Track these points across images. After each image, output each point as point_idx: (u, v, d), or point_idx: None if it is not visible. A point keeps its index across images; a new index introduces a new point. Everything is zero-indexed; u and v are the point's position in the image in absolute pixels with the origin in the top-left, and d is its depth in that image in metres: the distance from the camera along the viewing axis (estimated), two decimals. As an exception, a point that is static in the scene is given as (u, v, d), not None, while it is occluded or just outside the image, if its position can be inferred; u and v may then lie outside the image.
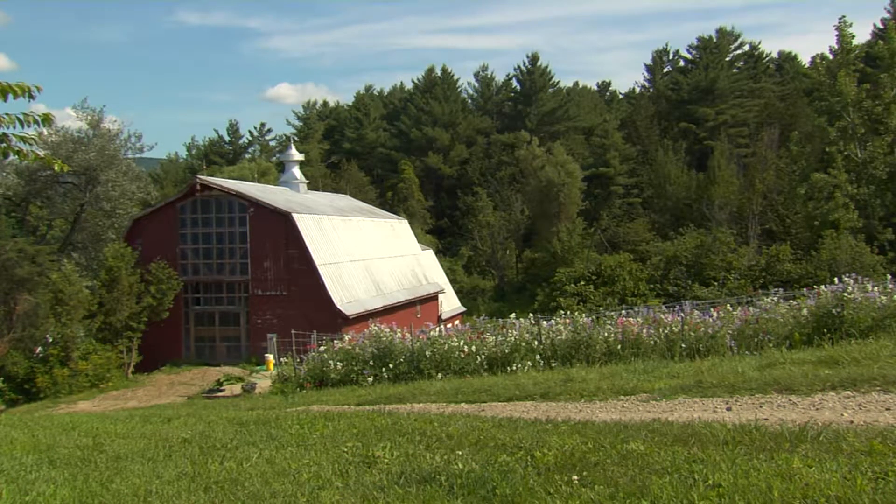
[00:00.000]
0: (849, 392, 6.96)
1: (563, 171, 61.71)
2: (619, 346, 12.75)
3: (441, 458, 5.26)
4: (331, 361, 14.76)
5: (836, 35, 48.74)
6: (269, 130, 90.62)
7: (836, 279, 12.38)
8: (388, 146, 78.61)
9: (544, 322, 14.03)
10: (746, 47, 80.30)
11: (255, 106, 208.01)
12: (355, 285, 33.34)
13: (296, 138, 75.09)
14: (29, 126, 4.45)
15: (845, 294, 11.63)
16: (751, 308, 13.22)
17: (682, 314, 13.27)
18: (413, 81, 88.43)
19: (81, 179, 39.34)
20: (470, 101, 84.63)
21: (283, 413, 9.83)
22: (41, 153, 5.01)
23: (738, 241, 51.54)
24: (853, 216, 45.44)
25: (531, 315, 15.14)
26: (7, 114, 4.39)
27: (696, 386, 8.18)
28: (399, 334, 14.61)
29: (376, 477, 4.90)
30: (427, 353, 13.75)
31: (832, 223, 45.64)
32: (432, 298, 41.20)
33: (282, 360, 22.04)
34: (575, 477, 4.38)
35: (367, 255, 36.20)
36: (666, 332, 12.86)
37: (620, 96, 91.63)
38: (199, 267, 33.54)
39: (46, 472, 6.15)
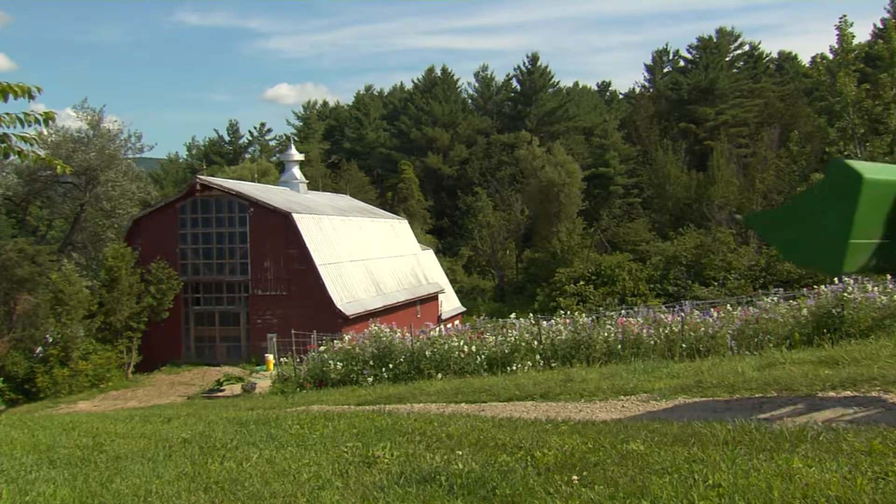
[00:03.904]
0: (849, 392, 6.97)
1: (563, 171, 61.69)
2: (619, 346, 12.74)
3: (441, 458, 5.26)
4: (331, 361, 14.74)
5: (837, 35, 48.70)
6: (269, 130, 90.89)
7: (835, 279, 12.37)
8: (388, 146, 78.62)
9: (544, 322, 14.01)
10: (746, 47, 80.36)
11: (254, 106, 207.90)
12: (355, 285, 33.35)
13: (296, 138, 75.18)
14: (30, 125, 4.43)
15: (845, 294, 11.62)
16: (751, 308, 13.21)
17: (682, 314, 13.26)
18: (413, 81, 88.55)
19: (81, 179, 39.34)
20: (470, 101, 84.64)
21: (283, 413, 9.82)
22: (42, 153, 5.00)
23: (738, 241, 51.48)
24: (853, 216, 45.37)
25: (531, 315, 15.10)
26: (7, 113, 4.38)
27: (696, 386, 8.18)
28: (399, 334, 14.59)
29: (376, 477, 4.90)
30: (427, 353, 13.74)
31: (832, 223, 45.55)
32: (432, 298, 41.20)
33: (282, 360, 22.04)
34: (575, 477, 4.38)
35: (367, 255, 36.21)
36: (666, 332, 12.84)
37: (620, 96, 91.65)
38: (199, 267, 33.55)
39: (46, 472, 6.15)
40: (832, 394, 7.01)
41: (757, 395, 7.35)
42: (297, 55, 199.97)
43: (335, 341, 15.71)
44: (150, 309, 30.55)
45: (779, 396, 7.20)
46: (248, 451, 6.36)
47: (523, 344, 13.41)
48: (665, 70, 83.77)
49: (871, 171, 4.86)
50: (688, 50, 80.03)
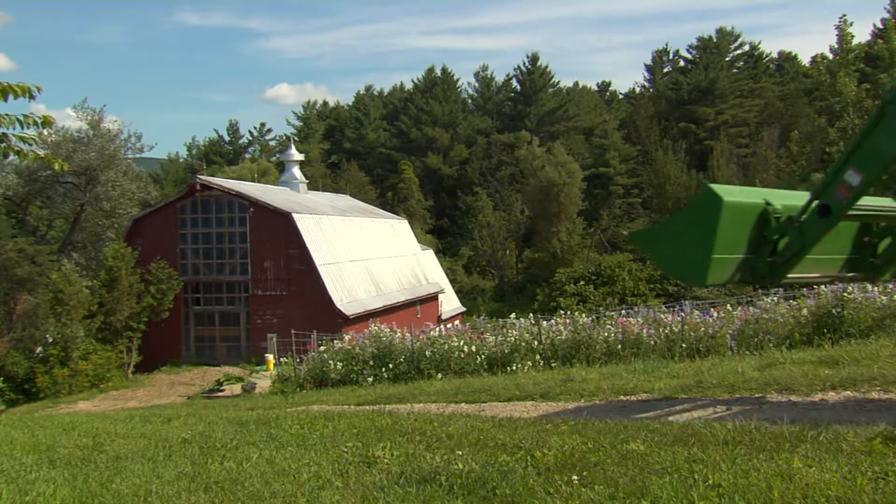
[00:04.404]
0: (849, 392, 6.97)
1: (563, 171, 61.72)
2: (619, 346, 12.73)
3: (441, 458, 5.26)
4: (331, 361, 14.74)
5: (837, 35, 48.65)
6: (269, 130, 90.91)
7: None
8: (388, 146, 78.64)
9: (544, 322, 14.00)
10: (746, 47, 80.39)
11: (254, 106, 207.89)
12: (355, 285, 33.35)
13: (296, 138, 75.20)
14: (29, 127, 4.46)
15: (845, 294, 11.62)
16: (751, 308, 13.21)
17: (682, 314, 13.26)
18: (413, 81, 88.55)
19: (81, 179, 39.37)
20: (470, 101, 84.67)
21: (283, 413, 9.82)
22: (41, 153, 5.01)
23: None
24: (853, 216, 45.31)
25: (531, 315, 15.09)
26: (7, 114, 4.40)
27: (696, 386, 8.18)
28: (399, 334, 14.59)
29: (376, 477, 4.89)
30: (427, 353, 13.73)
31: (832, 223, 45.50)
32: (432, 298, 41.20)
33: (282, 360, 22.05)
34: (575, 477, 4.38)
35: (367, 255, 36.21)
36: (666, 332, 12.84)
37: (620, 96, 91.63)
38: (199, 267, 33.55)
39: (46, 472, 6.14)
40: (832, 394, 7.02)
41: (757, 395, 7.35)
42: (297, 55, 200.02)
43: (335, 341, 15.71)
44: (150, 309, 30.56)
45: (778, 395, 7.21)
46: (248, 451, 6.36)
47: (523, 344, 13.41)
48: (665, 70, 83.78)
49: (732, 194, 5.39)
50: (688, 50, 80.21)
